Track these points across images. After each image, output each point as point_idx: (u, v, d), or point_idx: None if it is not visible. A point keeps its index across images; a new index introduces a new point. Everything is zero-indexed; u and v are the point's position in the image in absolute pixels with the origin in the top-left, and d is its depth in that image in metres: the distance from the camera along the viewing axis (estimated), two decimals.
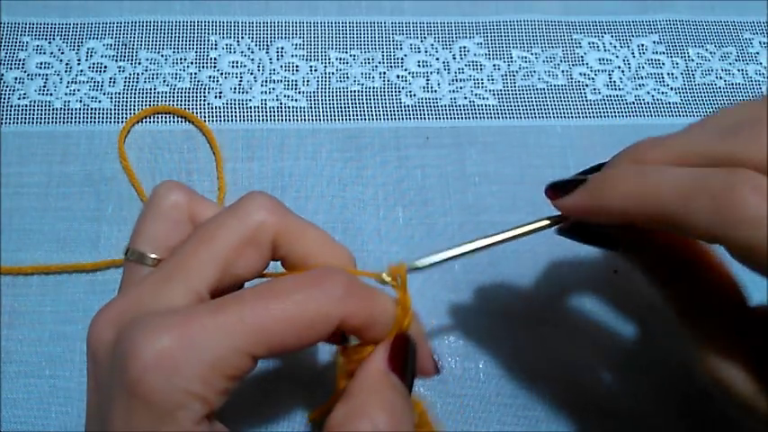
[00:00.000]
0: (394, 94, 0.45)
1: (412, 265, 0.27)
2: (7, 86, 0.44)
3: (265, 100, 0.44)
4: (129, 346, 0.22)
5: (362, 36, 0.47)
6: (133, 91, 0.44)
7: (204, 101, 0.44)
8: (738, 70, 0.48)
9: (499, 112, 0.45)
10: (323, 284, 0.23)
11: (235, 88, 0.45)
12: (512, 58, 0.47)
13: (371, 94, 0.45)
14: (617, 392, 0.36)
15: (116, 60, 0.45)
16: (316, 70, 0.46)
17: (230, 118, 0.44)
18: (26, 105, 0.43)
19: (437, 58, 0.47)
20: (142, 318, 0.23)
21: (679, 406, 0.36)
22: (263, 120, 0.44)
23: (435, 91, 0.46)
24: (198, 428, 0.22)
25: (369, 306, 0.24)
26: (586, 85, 0.47)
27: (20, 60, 0.45)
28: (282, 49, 0.46)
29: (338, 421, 0.23)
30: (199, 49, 0.46)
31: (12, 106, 0.43)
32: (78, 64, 0.45)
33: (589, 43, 0.48)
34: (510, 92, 0.46)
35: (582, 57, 0.48)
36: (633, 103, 0.46)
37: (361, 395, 0.24)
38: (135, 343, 0.22)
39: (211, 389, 0.22)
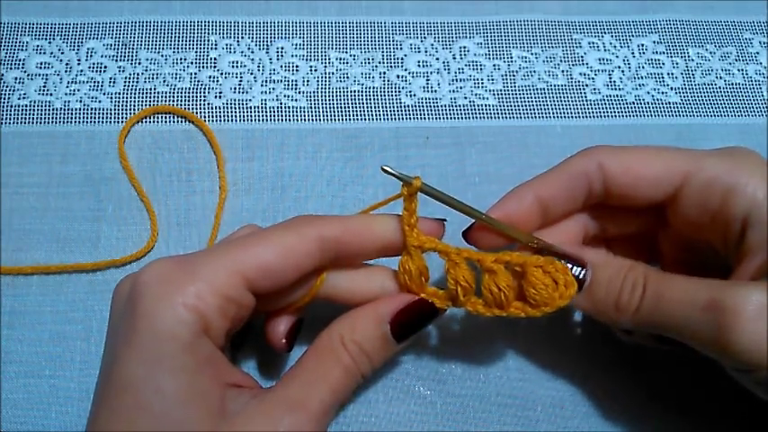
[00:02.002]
0: (394, 94, 0.45)
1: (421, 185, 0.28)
2: (7, 86, 0.44)
3: (265, 100, 0.44)
4: (136, 276, 0.25)
5: (362, 36, 0.47)
6: (133, 91, 0.44)
7: (204, 101, 0.44)
8: (738, 70, 0.48)
9: (499, 111, 0.45)
10: (310, 223, 0.27)
11: (235, 88, 0.45)
12: (512, 57, 0.47)
13: (371, 94, 0.45)
14: (617, 392, 0.36)
15: (116, 60, 0.45)
16: (316, 70, 0.46)
17: (230, 118, 0.44)
18: (26, 105, 0.43)
19: (437, 58, 0.47)
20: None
21: (678, 405, 0.35)
22: (263, 120, 0.44)
23: (435, 91, 0.46)
24: (198, 342, 0.24)
25: (347, 225, 0.28)
26: (586, 85, 0.47)
27: (20, 60, 0.45)
28: (282, 49, 0.46)
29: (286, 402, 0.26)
30: (199, 49, 0.46)
31: (12, 106, 0.43)
32: (78, 64, 0.45)
33: (589, 43, 0.48)
34: (510, 92, 0.46)
35: (582, 57, 0.48)
36: (633, 103, 0.46)
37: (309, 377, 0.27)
38: (140, 272, 0.25)
39: (207, 305, 0.24)
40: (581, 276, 0.28)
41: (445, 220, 0.31)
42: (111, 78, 0.44)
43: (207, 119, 0.43)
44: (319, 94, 0.45)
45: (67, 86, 0.44)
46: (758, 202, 0.27)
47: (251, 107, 0.44)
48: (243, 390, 0.26)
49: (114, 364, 0.24)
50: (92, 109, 0.43)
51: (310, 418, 0.25)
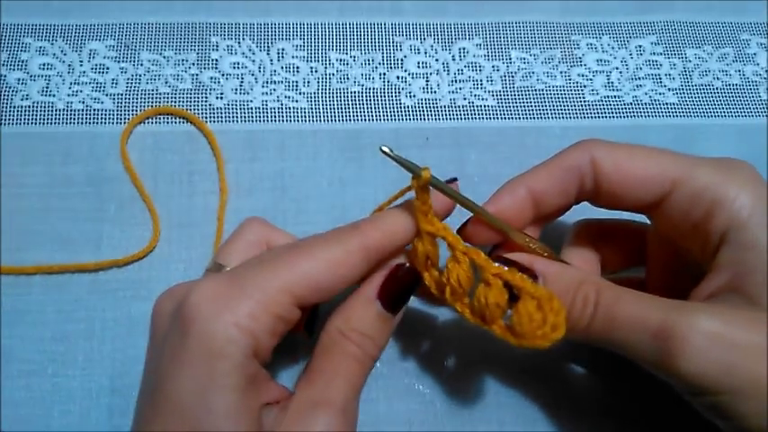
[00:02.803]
0: (394, 94, 0.46)
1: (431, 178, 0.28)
2: (9, 87, 0.44)
3: (266, 101, 0.45)
4: (186, 295, 0.25)
5: (362, 37, 0.48)
6: (135, 92, 0.44)
7: (206, 102, 0.44)
8: (736, 71, 0.48)
9: (498, 112, 0.45)
10: (353, 234, 0.27)
11: (236, 89, 0.45)
12: (511, 59, 0.48)
13: (371, 94, 0.45)
14: (617, 392, 0.36)
15: (118, 61, 0.45)
16: (316, 71, 0.46)
17: (231, 119, 0.44)
18: (28, 106, 0.43)
19: (437, 59, 0.47)
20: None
21: (677, 404, 0.36)
22: (264, 120, 0.44)
23: (435, 92, 0.46)
24: (247, 362, 0.24)
25: (382, 229, 0.28)
26: (585, 86, 0.47)
27: (22, 61, 0.45)
28: (283, 50, 0.47)
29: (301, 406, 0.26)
30: (200, 51, 0.46)
31: (14, 107, 0.43)
32: (80, 65, 0.45)
33: (587, 44, 0.49)
34: (509, 93, 0.46)
35: (580, 58, 0.48)
36: (631, 104, 0.46)
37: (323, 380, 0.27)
38: (190, 290, 0.25)
39: (259, 324, 0.24)
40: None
41: (456, 178, 0.31)
42: (113, 79, 0.44)
43: (208, 119, 0.44)
44: (320, 95, 0.45)
45: (70, 87, 0.44)
46: (740, 221, 0.26)
47: (252, 108, 0.44)
48: (275, 405, 0.26)
49: (164, 382, 0.24)
50: (94, 110, 0.43)
51: (338, 413, 0.26)
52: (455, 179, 0.31)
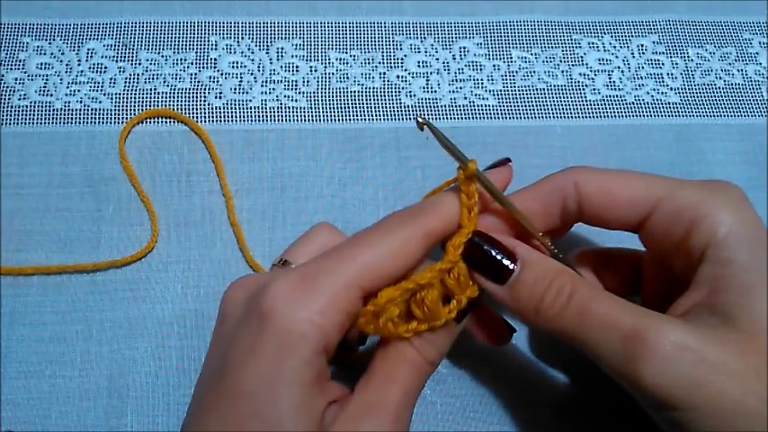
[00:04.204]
0: (394, 94, 0.45)
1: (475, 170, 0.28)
2: (7, 87, 0.44)
3: (265, 100, 0.44)
4: (264, 289, 0.26)
5: (362, 36, 0.47)
6: (133, 91, 0.44)
7: (204, 101, 0.44)
8: (738, 70, 0.48)
9: (499, 112, 0.45)
10: (413, 221, 0.28)
11: (235, 88, 0.45)
12: (511, 58, 0.47)
13: (371, 94, 0.45)
14: (616, 392, 0.36)
15: (116, 61, 0.45)
16: (316, 70, 0.46)
17: (230, 118, 0.44)
18: (26, 106, 0.43)
19: (437, 59, 0.47)
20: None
21: None
22: (263, 120, 0.44)
23: (435, 91, 0.46)
24: (316, 359, 0.25)
25: (443, 214, 0.28)
26: (586, 86, 0.47)
27: (20, 61, 0.45)
28: (282, 49, 0.46)
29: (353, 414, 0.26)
30: (199, 50, 0.46)
31: (12, 107, 0.43)
32: (79, 64, 0.45)
33: (589, 43, 0.48)
34: (510, 92, 0.46)
35: (582, 57, 0.48)
36: (633, 104, 0.46)
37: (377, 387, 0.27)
38: (268, 285, 0.26)
39: (329, 320, 0.25)
40: (511, 268, 0.28)
41: (509, 159, 0.31)
42: (111, 79, 0.44)
43: (207, 119, 0.43)
44: (319, 95, 0.45)
45: (68, 87, 0.44)
46: (717, 239, 0.26)
47: (251, 107, 0.44)
48: (335, 404, 0.27)
49: (234, 369, 0.25)
50: (92, 109, 0.43)
51: (389, 419, 0.26)
52: (508, 159, 0.31)
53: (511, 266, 0.28)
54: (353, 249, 0.27)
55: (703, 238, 0.27)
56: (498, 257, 0.28)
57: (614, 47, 0.48)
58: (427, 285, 0.27)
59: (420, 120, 0.27)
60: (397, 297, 0.26)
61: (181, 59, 0.45)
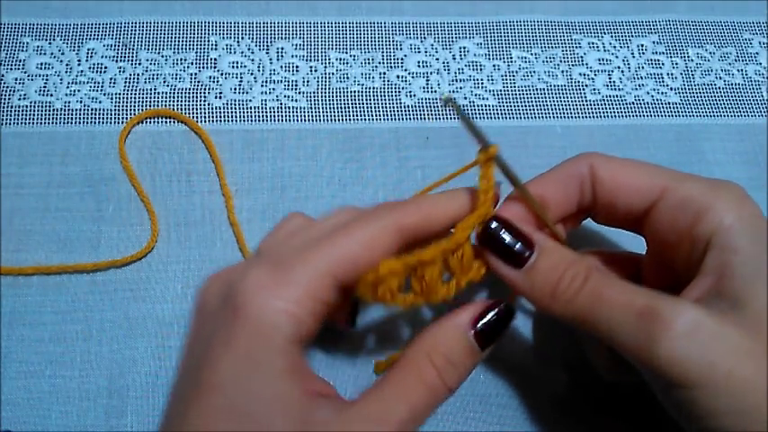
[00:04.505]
0: (394, 94, 0.45)
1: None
2: (7, 87, 0.44)
3: (265, 100, 0.44)
4: (237, 281, 0.26)
5: (362, 36, 0.47)
6: (133, 91, 0.44)
7: (204, 101, 0.44)
8: (738, 70, 0.48)
9: (499, 112, 0.45)
10: (390, 213, 0.28)
11: (235, 88, 0.45)
12: (511, 58, 0.47)
13: (371, 94, 0.45)
14: (617, 392, 0.36)
15: (116, 61, 0.45)
16: (316, 70, 0.46)
17: (230, 118, 0.44)
18: (26, 106, 0.43)
19: (437, 59, 0.47)
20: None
21: None
22: (263, 120, 0.44)
23: (435, 91, 0.46)
24: (291, 348, 0.25)
25: (422, 210, 0.28)
26: (586, 86, 0.47)
27: (20, 61, 0.45)
28: (282, 49, 0.46)
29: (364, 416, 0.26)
30: (199, 50, 0.46)
31: (12, 107, 0.43)
32: (79, 64, 0.45)
33: (589, 43, 0.48)
34: (510, 92, 0.46)
35: (582, 57, 0.48)
36: (633, 104, 0.46)
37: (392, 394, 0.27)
38: (241, 276, 0.26)
39: (303, 309, 0.25)
40: (527, 254, 0.29)
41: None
42: (111, 79, 0.44)
43: (207, 119, 0.43)
44: (319, 95, 0.45)
45: (68, 87, 0.44)
46: (723, 227, 0.27)
47: (251, 107, 0.44)
48: (328, 401, 0.26)
49: (209, 364, 0.25)
50: (92, 109, 0.43)
51: None
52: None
53: (527, 252, 0.28)
54: (328, 237, 0.27)
55: (709, 228, 0.27)
56: (516, 242, 0.29)
57: (614, 47, 0.48)
58: (429, 262, 0.28)
59: (445, 97, 0.27)
60: (397, 270, 0.27)
61: (181, 59, 0.45)
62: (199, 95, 0.44)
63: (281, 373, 0.24)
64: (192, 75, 0.45)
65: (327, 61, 0.46)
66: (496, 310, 0.29)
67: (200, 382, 0.25)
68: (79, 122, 0.43)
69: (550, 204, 0.31)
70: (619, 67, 0.48)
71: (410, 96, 0.45)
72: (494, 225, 0.29)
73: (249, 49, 0.46)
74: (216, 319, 0.26)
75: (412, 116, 0.45)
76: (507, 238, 0.29)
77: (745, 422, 0.24)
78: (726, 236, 0.27)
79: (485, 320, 0.28)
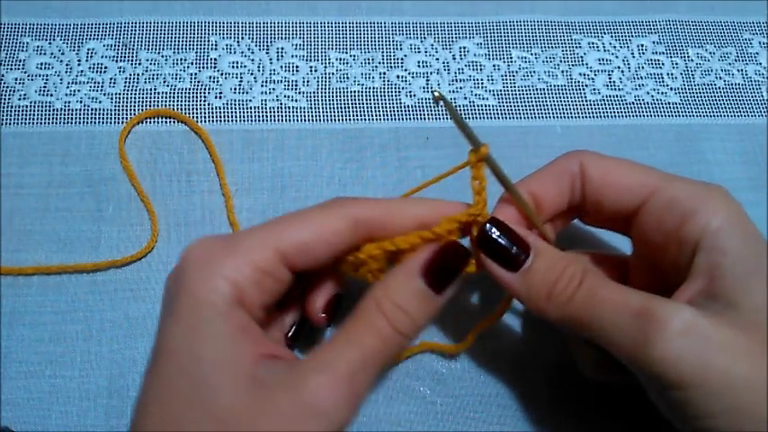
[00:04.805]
0: (394, 94, 0.45)
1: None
2: (7, 87, 0.44)
3: (265, 100, 0.44)
4: (184, 256, 0.27)
5: (362, 36, 0.47)
6: (133, 91, 0.44)
7: (204, 101, 0.44)
8: (738, 70, 0.48)
9: (499, 112, 0.45)
10: (345, 204, 0.29)
11: (235, 88, 0.45)
12: (511, 58, 0.47)
13: (371, 94, 0.45)
14: (617, 392, 0.36)
15: (116, 61, 0.45)
16: (316, 70, 0.46)
17: (230, 118, 0.44)
18: (26, 106, 0.43)
19: (437, 59, 0.47)
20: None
21: None
22: (263, 120, 0.44)
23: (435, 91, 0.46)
24: (232, 311, 0.26)
25: (383, 206, 0.29)
26: (586, 86, 0.47)
27: (20, 61, 0.45)
28: (282, 49, 0.46)
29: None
30: (199, 50, 0.46)
31: (12, 107, 0.43)
32: (79, 64, 0.45)
33: (589, 43, 0.48)
34: (510, 92, 0.46)
35: (582, 57, 0.48)
36: (633, 104, 0.46)
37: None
38: (186, 249, 0.27)
39: (242, 276, 0.26)
40: (523, 257, 0.29)
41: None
42: (111, 79, 0.44)
43: (207, 119, 0.43)
44: (319, 95, 0.45)
45: (68, 87, 0.44)
46: (711, 229, 0.27)
47: (251, 107, 0.44)
48: (278, 360, 0.26)
49: (160, 334, 0.26)
50: (92, 109, 0.43)
51: (335, 379, 0.25)
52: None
53: (523, 255, 0.29)
54: (282, 219, 0.28)
55: (698, 229, 0.27)
56: (512, 245, 0.29)
57: (614, 47, 0.48)
58: (407, 249, 0.28)
59: (436, 94, 0.27)
60: (376, 254, 0.28)
61: (181, 59, 0.45)
62: (199, 95, 0.44)
63: (225, 335, 0.25)
64: (191, 75, 0.45)
65: (327, 61, 0.46)
66: (445, 251, 0.28)
67: (155, 353, 0.26)
68: (79, 122, 0.43)
69: (542, 202, 0.31)
70: (619, 67, 0.48)
71: (410, 96, 0.45)
72: (490, 228, 0.29)
73: (249, 49, 0.46)
74: (168, 296, 0.27)
75: (412, 116, 0.45)
76: (503, 241, 0.29)
77: (740, 421, 0.24)
78: (714, 238, 0.27)
79: (435, 264, 0.28)
